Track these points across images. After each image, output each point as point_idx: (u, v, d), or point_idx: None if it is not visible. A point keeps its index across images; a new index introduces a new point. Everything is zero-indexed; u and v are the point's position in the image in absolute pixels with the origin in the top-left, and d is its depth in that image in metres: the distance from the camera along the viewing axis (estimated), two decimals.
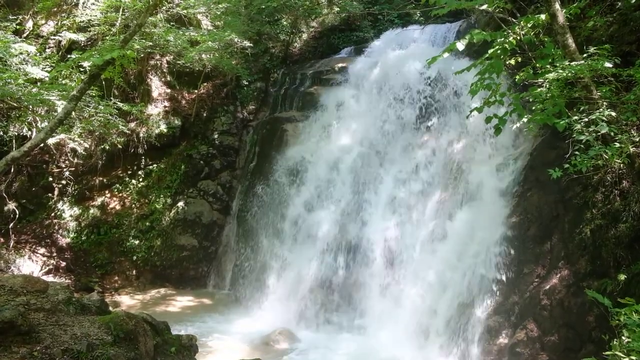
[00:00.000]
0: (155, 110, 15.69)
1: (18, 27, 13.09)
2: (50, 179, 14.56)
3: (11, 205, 13.61)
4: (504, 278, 9.18)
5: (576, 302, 7.81)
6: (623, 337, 3.98)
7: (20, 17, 13.45)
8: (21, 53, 10.58)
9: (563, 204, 8.69)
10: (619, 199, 7.58)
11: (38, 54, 11.87)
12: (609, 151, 5.21)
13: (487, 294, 9.29)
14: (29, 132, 12.33)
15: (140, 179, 15.63)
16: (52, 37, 14.14)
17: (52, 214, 14.59)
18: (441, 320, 9.87)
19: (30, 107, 11.25)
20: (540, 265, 8.72)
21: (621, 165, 6.91)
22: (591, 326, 7.40)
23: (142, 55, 14.29)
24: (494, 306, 9.12)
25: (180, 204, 15.22)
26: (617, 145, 5.22)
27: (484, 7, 5.75)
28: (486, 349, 8.90)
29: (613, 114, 5.24)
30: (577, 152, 5.62)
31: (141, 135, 15.20)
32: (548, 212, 8.94)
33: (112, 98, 13.32)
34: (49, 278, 12.91)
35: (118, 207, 15.20)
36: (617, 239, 7.38)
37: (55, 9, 14.23)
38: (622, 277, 7.02)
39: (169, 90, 16.28)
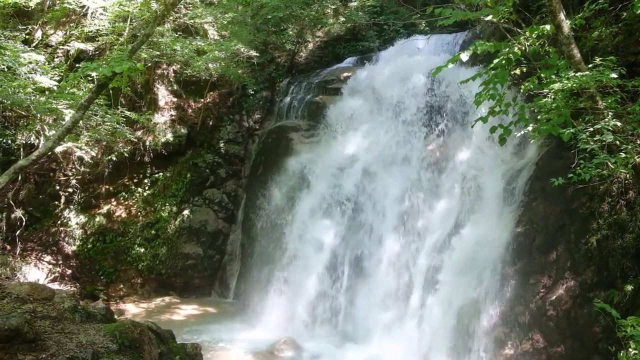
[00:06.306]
0: (161, 118, 15.79)
1: (27, 36, 13.27)
2: (57, 187, 14.63)
3: (18, 213, 13.68)
4: (509, 288, 9.12)
5: (582, 313, 7.76)
6: (630, 349, 3.96)
7: (30, 27, 13.61)
8: (30, 62, 10.71)
9: (569, 214, 8.65)
10: (625, 209, 7.55)
11: (47, 63, 12.00)
12: (613, 159, 5.20)
13: (493, 304, 9.23)
14: (37, 141, 12.42)
15: (146, 187, 15.68)
16: (61, 47, 14.29)
17: (59, 222, 14.65)
18: (447, 331, 9.81)
19: (39, 115, 11.37)
20: (546, 276, 8.66)
21: (627, 175, 6.89)
22: (598, 337, 7.35)
23: (149, 65, 14.42)
24: (499, 317, 9.05)
25: (186, 212, 15.26)
26: (623, 155, 5.20)
27: (489, 17, 5.78)
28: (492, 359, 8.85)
29: (618, 124, 5.23)
30: (582, 161, 5.61)
31: (147, 143, 15.27)
32: (554, 222, 8.90)
33: (119, 107, 13.43)
34: (55, 286, 12.96)
35: (124, 215, 15.26)
36: (624, 249, 7.34)
37: (64, 19, 14.39)
38: (629, 288, 6.98)
39: (175, 99, 16.38)
